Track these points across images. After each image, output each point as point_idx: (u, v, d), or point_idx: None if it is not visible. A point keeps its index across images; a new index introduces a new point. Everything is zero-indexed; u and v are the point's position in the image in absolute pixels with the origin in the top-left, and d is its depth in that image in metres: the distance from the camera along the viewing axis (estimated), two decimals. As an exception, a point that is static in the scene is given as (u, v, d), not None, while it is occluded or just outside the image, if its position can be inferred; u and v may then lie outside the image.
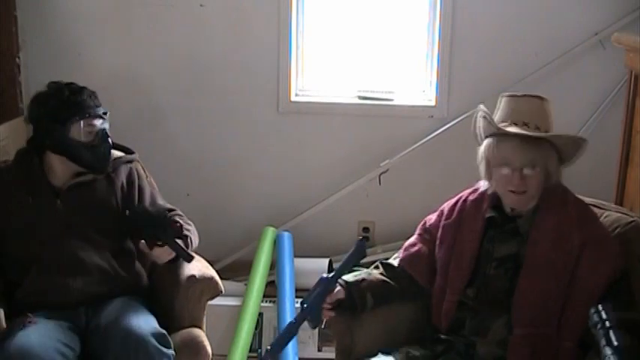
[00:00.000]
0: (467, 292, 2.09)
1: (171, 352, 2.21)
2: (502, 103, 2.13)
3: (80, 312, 2.30)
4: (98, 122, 2.36)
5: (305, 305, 2.04)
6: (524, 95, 2.11)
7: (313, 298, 2.03)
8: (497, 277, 2.06)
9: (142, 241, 2.30)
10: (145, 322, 2.23)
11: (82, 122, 2.32)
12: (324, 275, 2.06)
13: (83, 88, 2.38)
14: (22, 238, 2.32)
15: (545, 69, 3.30)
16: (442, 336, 2.10)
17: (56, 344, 2.14)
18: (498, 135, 2.06)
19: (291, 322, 2.06)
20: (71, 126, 2.32)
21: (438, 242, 2.20)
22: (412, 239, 2.28)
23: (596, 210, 2.18)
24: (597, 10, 3.27)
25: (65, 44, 3.40)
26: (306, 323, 2.05)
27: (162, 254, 2.31)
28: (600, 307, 1.63)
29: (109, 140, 2.39)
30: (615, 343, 1.52)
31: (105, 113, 2.38)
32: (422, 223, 2.29)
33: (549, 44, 3.30)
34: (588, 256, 1.99)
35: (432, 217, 2.27)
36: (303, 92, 3.49)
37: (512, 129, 2.03)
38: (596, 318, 1.63)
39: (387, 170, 3.38)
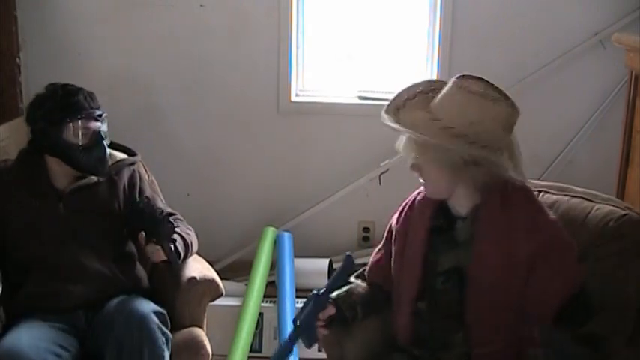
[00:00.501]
0: (419, 306, 1.95)
1: (169, 333, 2.22)
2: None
3: (80, 314, 2.30)
4: (94, 124, 2.32)
5: (298, 323, 1.96)
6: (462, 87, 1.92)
7: (306, 317, 1.96)
8: (445, 292, 1.91)
9: (142, 232, 2.27)
10: (147, 304, 2.25)
11: (77, 123, 2.29)
12: (315, 291, 1.97)
13: (80, 89, 2.34)
14: (22, 239, 2.31)
15: (545, 69, 3.29)
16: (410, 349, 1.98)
17: (48, 345, 2.13)
18: None
19: (285, 341, 1.99)
20: (65, 127, 2.28)
21: (394, 249, 2.05)
22: (377, 247, 2.15)
23: (585, 203, 2.05)
24: (597, 10, 3.27)
25: (65, 44, 3.39)
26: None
27: (156, 253, 2.28)
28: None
29: (104, 143, 2.34)
30: None
31: (101, 115, 2.34)
32: (388, 225, 2.13)
33: (549, 44, 3.30)
34: (538, 273, 1.80)
35: (394, 218, 2.12)
36: (303, 92, 3.49)
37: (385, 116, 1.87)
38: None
39: (387, 170, 3.38)
